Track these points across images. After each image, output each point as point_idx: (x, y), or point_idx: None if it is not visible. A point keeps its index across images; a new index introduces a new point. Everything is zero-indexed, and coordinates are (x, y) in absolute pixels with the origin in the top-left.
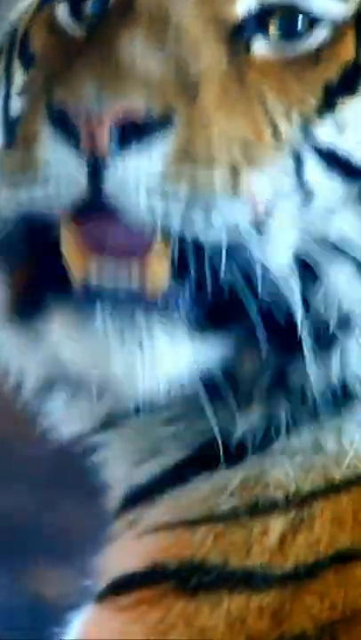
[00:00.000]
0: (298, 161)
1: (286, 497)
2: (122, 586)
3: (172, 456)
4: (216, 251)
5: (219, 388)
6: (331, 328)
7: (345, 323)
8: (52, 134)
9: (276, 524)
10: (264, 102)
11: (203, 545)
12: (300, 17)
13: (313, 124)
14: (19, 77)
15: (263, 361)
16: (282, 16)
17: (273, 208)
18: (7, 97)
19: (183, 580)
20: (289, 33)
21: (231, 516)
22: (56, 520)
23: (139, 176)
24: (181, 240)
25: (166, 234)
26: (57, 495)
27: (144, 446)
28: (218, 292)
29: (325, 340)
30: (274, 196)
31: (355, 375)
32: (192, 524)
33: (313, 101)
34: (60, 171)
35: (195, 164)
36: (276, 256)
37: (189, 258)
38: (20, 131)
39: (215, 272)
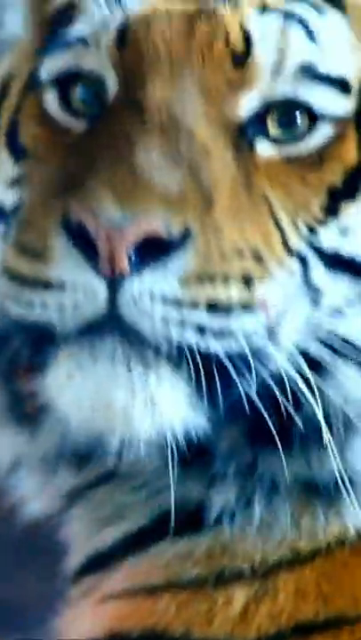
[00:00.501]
0: (304, 265)
1: (252, 567)
2: None
3: (134, 522)
4: (230, 360)
5: (194, 458)
6: (334, 425)
7: (348, 422)
8: (68, 249)
9: (241, 594)
10: (271, 208)
11: (165, 614)
12: (299, 114)
13: (317, 229)
14: (7, 168)
15: (239, 443)
16: (282, 113)
17: (284, 312)
18: None
19: None
20: (290, 129)
21: (195, 585)
22: (12, 590)
23: (156, 293)
24: (193, 352)
25: (181, 348)
26: (13, 565)
27: (106, 513)
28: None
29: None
30: (285, 300)
31: (356, 471)
32: (153, 590)
33: (317, 206)
34: (77, 286)
35: (211, 280)
36: (285, 355)
37: (201, 369)
38: (27, 238)
39: (226, 378)
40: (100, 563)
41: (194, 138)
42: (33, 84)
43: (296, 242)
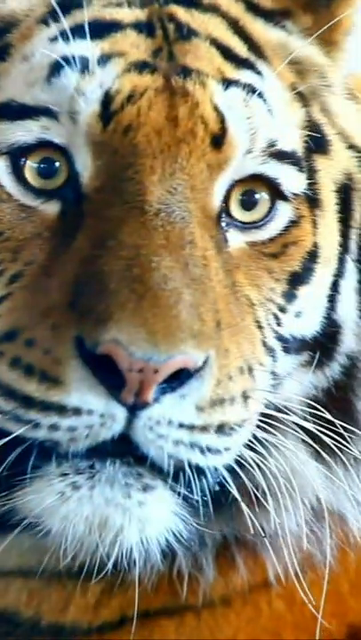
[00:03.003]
0: (274, 358)
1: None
2: None
3: None
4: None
5: None
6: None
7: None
8: (86, 377)
9: (97, 587)
10: (252, 308)
11: (17, 598)
12: (261, 194)
13: (281, 318)
14: None
15: None
16: (246, 193)
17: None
18: None
19: None
20: (253, 211)
21: (50, 575)
22: None
23: (173, 420)
24: (192, 469)
25: (181, 467)
26: None
27: None
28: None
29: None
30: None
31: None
32: (6, 574)
33: (280, 294)
34: (94, 412)
35: (222, 404)
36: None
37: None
38: (33, 359)
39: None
40: None
41: (195, 247)
42: None
43: (270, 338)
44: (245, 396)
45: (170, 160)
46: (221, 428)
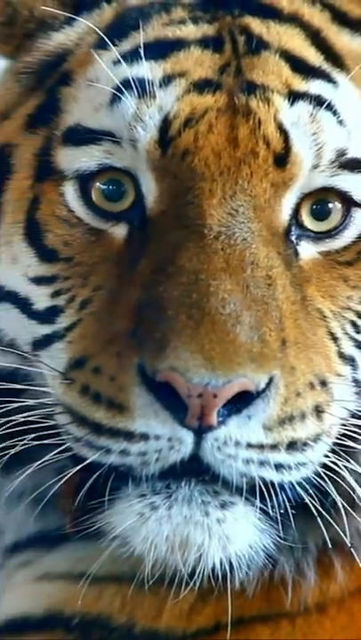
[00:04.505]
0: (354, 366)
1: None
2: (14, 627)
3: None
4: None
5: None
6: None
7: None
8: (151, 404)
9: (190, 594)
10: (325, 320)
11: (110, 604)
12: (334, 203)
13: (360, 324)
14: (26, 259)
15: None
16: (317, 203)
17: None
18: None
19: (85, 634)
20: (326, 221)
21: (143, 582)
22: None
23: (241, 441)
24: (267, 486)
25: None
26: None
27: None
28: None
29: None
30: (338, 407)
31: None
32: (99, 580)
33: (357, 301)
34: (161, 437)
35: (291, 421)
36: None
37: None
38: (101, 387)
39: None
40: (41, 539)
41: (257, 267)
42: (46, 174)
43: (347, 347)
44: (319, 411)
45: (230, 182)
46: (293, 445)
